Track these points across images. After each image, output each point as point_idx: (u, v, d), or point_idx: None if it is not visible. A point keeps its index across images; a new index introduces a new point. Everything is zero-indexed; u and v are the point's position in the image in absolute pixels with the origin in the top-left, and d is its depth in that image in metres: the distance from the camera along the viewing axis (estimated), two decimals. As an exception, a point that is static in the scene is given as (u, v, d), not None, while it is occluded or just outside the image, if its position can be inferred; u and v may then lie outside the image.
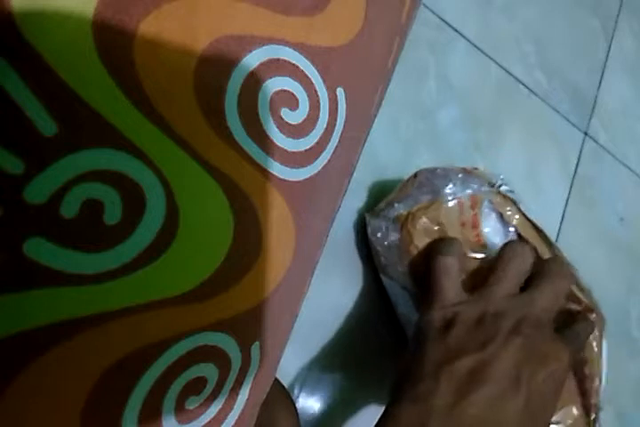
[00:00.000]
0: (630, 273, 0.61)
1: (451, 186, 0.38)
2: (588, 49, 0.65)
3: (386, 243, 0.38)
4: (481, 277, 0.35)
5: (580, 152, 0.60)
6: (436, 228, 0.37)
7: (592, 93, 0.63)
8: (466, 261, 0.36)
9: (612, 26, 0.68)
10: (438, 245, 0.36)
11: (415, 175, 0.40)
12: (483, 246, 0.38)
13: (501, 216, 0.39)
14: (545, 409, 0.31)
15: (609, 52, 0.67)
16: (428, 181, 0.39)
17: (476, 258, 0.37)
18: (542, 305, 0.33)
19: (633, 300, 0.60)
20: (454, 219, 0.38)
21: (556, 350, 0.31)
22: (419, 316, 0.34)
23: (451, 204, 0.38)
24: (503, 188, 0.40)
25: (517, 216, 0.39)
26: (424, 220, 0.37)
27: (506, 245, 0.37)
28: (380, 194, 0.42)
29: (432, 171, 0.39)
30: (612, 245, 0.60)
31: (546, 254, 0.39)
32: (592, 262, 0.57)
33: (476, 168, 0.40)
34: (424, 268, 0.36)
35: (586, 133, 0.61)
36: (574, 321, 0.35)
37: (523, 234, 0.39)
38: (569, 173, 0.59)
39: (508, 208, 0.39)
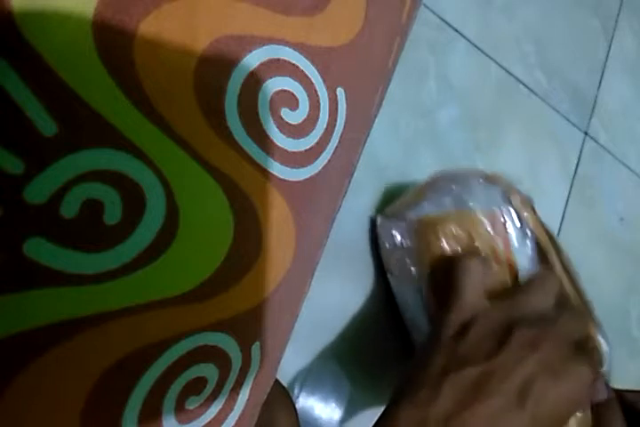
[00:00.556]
0: (630, 273, 0.61)
1: (475, 194, 0.37)
2: (587, 49, 0.65)
3: (399, 246, 0.38)
4: (505, 294, 0.34)
5: (580, 152, 0.60)
6: (463, 237, 0.37)
7: (592, 93, 0.63)
8: (491, 276, 0.35)
9: (612, 26, 0.68)
10: (463, 254, 0.36)
11: (432, 179, 0.39)
12: (512, 267, 0.37)
13: (521, 220, 0.38)
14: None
15: (609, 52, 0.67)
16: (446, 186, 0.38)
17: (501, 275, 0.36)
18: (566, 329, 0.32)
19: (633, 300, 0.60)
20: (485, 232, 0.37)
21: (576, 370, 0.30)
22: (434, 316, 0.33)
23: (481, 216, 0.37)
24: (522, 193, 0.39)
25: (532, 221, 0.39)
26: (451, 228, 0.36)
27: (539, 273, 0.36)
28: (385, 194, 0.42)
29: (451, 175, 0.39)
30: (611, 245, 0.60)
31: (555, 264, 0.39)
32: (592, 262, 0.57)
33: (496, 174, 0.39)
34: (442, 274, 0.35)
35: (586, 133, 0.61)
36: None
37: (538, 236, 0.39)
38: (569, 173, 0.59)
39: (525, 214, 0.39)
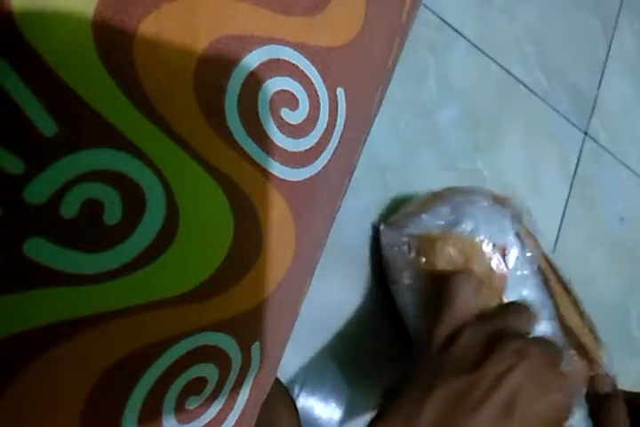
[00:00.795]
0: (630, 273, 0.61)
1: (476, 218, 0.37)
2: (587, 49, 0.65)
3: (399, 258, 0.38)
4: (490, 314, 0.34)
5: (580, 152, 0.60)
6: (460, 259, 0.37)
7: (592, 93, 0.63)
8: (480, 299, 0.35)
9: (612, 26, 0.68)
10: (457, 270, 0.36)
11: (438, 191, 0.39)
12: (502, 295, 0.37)
13: (524, 248, 0.38)
14: None
15: (609, 52, 0.67)
16: (452, 203, 0.38)
17: (490, 301, 0.36)
18: (549, 343, 0.32)
19: (633, 300, 0.60)
20: (483, 259, 0.37)
21: (562, 379, 0.30)
22: (425, 330, 0.33)
23: (482, 242, 0.36)
24: (526, 222, 0.39)
25: (534, 248, 0.39)
26: (449, 248, 0.36)
27: (518, 303, 0.36)
28: (384, 194, 0.42)
29: (460, 192, 0.39)
30: (611, 245, 0.60)
31: (556, 289, 0.38)
32: (592, 262, 0.57)
33: (506, 197, 0.39)
34: (435, 290, 0.35)
35: (586, 133, 0.61)
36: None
37: (540, 263, 0.38)
38: (569, 173, 0.59)
39: (528, 241, 0.38)
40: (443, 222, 0.37)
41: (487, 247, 0.37)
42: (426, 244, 0.36)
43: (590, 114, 0.62)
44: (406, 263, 0.37)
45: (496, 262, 0.37)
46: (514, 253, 0.37)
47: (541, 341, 0.32)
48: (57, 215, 0.13)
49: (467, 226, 0.37)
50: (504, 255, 0.37)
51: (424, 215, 0.37)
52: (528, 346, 0.30)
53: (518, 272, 0.37)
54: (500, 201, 0.39)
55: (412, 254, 0.37)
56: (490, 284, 0.36)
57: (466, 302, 0.33)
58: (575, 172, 0.59)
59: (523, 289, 0.37)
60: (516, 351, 0.30)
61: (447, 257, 0.36)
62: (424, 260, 0.36)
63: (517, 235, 0.38)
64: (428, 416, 0.27)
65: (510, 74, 0.55)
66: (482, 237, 0.37)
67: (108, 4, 0.13)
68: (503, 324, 0.32)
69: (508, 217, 0.38)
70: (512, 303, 0.36)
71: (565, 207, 0.57)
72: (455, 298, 0.33)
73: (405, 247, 0.37)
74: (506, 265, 0.37)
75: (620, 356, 0.55)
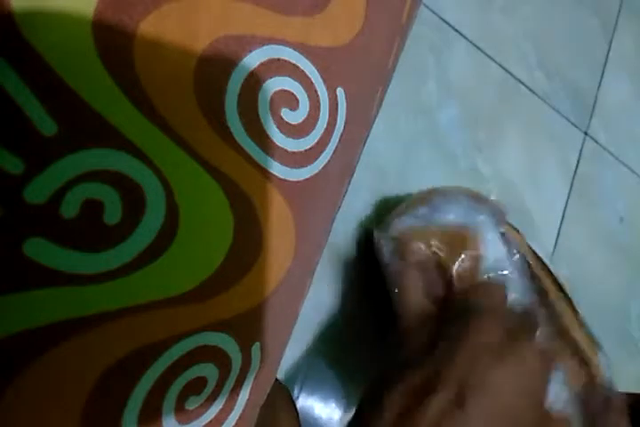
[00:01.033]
0: (630, 273, 0.61)
1: (461, 209, 0.38)
2: (587, 49, 0.65)
3: (386, 259, 0.38)
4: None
5: (580, 152, 0.60)
6: (431, 253, 0.37)
7: (592, 93, 0.63)
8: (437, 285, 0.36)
9: (612, 26, 0.68)
10: (405, 270, 0.36)
11: (421, 194, 0.40)
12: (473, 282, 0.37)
13: (508, 244, 0.38)
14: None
15: (609, 52, 0.67)
16: (431, 203, 0.38)
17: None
18: (514, 318, 0.32)
19: (633, 300, 0.60)
20: (455, 249, 0.37)
21: (519, 346, 0.29)
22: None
23: (453, 232, 0.37)
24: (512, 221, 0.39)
25: (521, 246, 0.39)
26: (419, 245, 0.37)
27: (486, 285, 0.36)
28: (384, 194, 0.42)
29: (439, 193, 0.39)
30: (611, 245, 0.60)
31: (550, 289, 0.39)
32: (592, 262, 0.57)
33: (487, 197, 0.40)
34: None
35: (586, 133, 0.61)
36: None
37: (530, 262, 0.39)
38: (569, 173, 0.59)
39: (513, 238, 0.39)
40: (421, 224, 0.38)
41: (458, 234, 0.37)
42: (401, 245, 0.37)
43: (590, 114, 0.62)
44: (389, 264, 0.38)
45: (473, 253, 0.37)
46: (491, 246, 0.38)
47: (499, 315, 0.32)
48: (57, 215, 0.13)
49: (442, 222, 0.37)
50: (481, 248, 0.37)
51: (404, 217, 0.38)
52: (479, 324, 0.30)
53: (500, 272, 0.37)
54: (479, 199, 0.39)
55: (393, 255, 0.37)
56: (462, 273, 0.37)
57: (416, 302, 0.34)
58: (575, 172, 0.59)
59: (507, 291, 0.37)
60: (464, 333, 0.30)
61: (418, 257, 0.37)
62: (400, 260, 0.37)
63: (502, 235, 0.38)
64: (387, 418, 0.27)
65: (510, 74, 0.55)
66: (457, 229, 0.37)
67: (108, 3, 0.13)
68: (469, 305, 0.32)
69: (485, 215, 0.38)
70: (481, 284, 0.36)
71: (565, 207, 0.57)
72: (404, 301, 0.34)
73: (388, 249, 0.38)
74: (481, 257, 0.37)
75: (620, 357, 0.55)
